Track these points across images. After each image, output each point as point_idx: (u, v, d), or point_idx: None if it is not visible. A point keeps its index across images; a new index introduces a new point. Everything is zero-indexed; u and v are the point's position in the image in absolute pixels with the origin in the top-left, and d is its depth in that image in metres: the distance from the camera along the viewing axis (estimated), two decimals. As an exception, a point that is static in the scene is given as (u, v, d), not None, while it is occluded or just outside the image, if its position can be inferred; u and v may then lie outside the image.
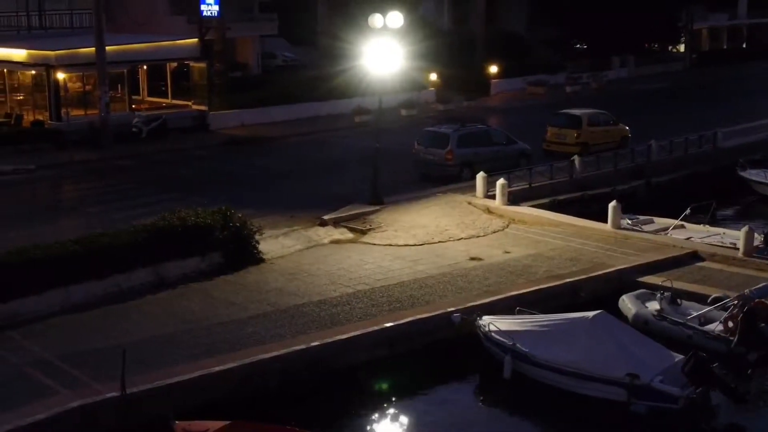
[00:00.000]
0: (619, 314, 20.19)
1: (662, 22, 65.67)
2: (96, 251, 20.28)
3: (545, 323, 18.23)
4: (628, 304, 20.68)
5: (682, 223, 26.59)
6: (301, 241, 24.91)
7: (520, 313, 19.16)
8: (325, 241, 25.13)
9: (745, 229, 24.03)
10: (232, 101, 43.81)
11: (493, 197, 28.41)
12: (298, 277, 21.78)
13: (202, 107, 43.52)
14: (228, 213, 22.94)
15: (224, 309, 19.65)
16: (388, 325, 18.77)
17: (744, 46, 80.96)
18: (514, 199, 28.52)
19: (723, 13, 78.68)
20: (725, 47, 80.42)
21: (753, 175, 33.17)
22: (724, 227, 27.45)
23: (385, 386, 18.04)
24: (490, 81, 55.46)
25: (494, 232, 25.96)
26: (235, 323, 18.79)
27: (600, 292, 21.63)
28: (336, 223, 26.55)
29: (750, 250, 23.63)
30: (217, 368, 16.54)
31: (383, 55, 27.25)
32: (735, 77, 62.97)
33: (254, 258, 22.86)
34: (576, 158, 31.29)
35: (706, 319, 19.73)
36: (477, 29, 59.80)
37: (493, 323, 18.64)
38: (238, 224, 22.87)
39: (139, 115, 40.64)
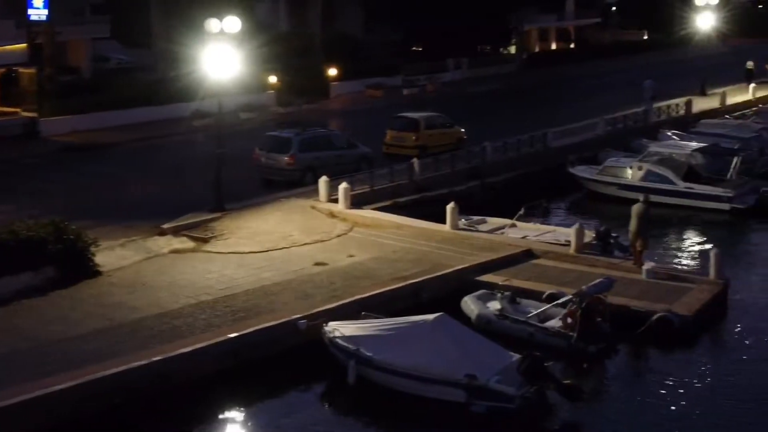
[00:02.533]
0: (461, 315, 20.68)
1: (493, 24, 67.55)
2: None
3: (388, 327, 18.46)
4: (470, 305, 21.19)
5: (516, 222, 27.49)
6: (139, 251, 24.29)
7: (365, 317, 19.32)
8: (165, 251, 24.59)
9: (576, 226, 25.08)
10: (63, 107, 42.22)
11: (336, 201, 28.55)
12: (138, 290, 21.24)
13: (32, 114, 41.72)
14: (61, 225, 22.14)
15: (61, 326, 18.95)
16: (232, 335, 18.56)
17: (572, 46, 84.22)
18: (356, 202, 28.73)
19: (551, 14, 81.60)
20: (554, 48, 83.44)
21: (581, 171, 34.60)
22: (555, 225, 28.60)
23: (231, 398, 17.80)
24: (330, 84, 55.65)
25: (338, 236, 26.08)
26: (72, 340, 18.15)
27: (441, 292, 22.07)
28: (176, 231, 26.02)
29: (581, 246, 24.67)
30: (55, 388, 15.94)
31: (221, 59, 26.91)
32: (564, 78, 65.45)
33: (90, 271, 22.15)
34: (415, 161, 31.83)
35: (545, 317, 20.46)
36: (315, 31, 59.91)
37: (337, 329, 18.74)
38: (72, 236, 22.10)
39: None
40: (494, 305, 20.98)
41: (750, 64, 60.61)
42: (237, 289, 21.27)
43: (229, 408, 17.50)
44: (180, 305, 20.17)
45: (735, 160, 32.71)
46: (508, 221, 27.62)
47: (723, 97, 50.63)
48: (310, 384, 18.74)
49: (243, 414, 17.46)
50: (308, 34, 59.66)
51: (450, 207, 26.76)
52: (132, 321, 19.26)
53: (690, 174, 32.44)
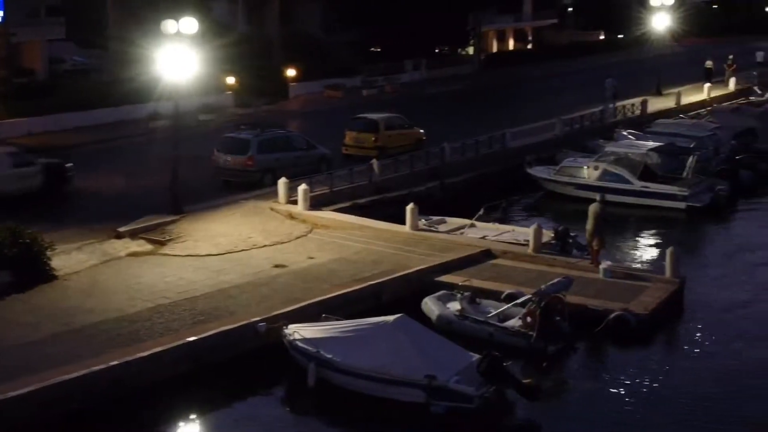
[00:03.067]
0: (422, 316, 20.75)
1: (451, 25, 67.79)
2: None
3: (348, 329, 18.47)
4: (430, 305, 21.27)
5: (475, 222, 27.63)
6: (96, 255, 24.04)
7: (326, 319, 19.30)
8: (122, 254, 24.36)
9: (534, 226, 25.27)
10: (19, 109, 41.58)
11: (296, 203, 28.49)
12: (95, 294, 21.03)
13: (-15, 116, 41.11)
14: (16, 229, 21.85)
15: (17, 331, 18.73)
16: (191, 339, 18.46)
17: (529, 47, 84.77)
18: (316, 204, 28.71)
19: (509, 15, 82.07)
20: (511, 49, 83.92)
21: (539, 171, 34.86)
22: (514, 224, 28.80)
23: (190, 402, 17.69)
24: (288, 84, 55.49)
25: (298, 238, 26.02)
26: (29, 345, 17.95)
27: (401, 293, 22.14)
28: (133, 234, 25.79)
29: (539, 246, 24.86)
30: (12, 393, 15.76)
31: (177, 60, 26.72)
32: (522, 78, 65.84)
33: (46, 275, 21.88)
34: (374, 162, 31.87)
35: (505, 316, 20.60)
36: (273, 32, 59.70)
37: (297, 331, 18.71)
38: (27, 240, 21.81)
39: None
40: (454, 306, 21.08)
41: (709, 64, 61.82)
42: (195, 293, 21.14)
43: (189, 412, 17.40)
44: (138, 309, 20.01)
45: (690, 159, 33.15)
46: (467, 221, 27.76)
47: (678, 96, 51.27)
48: (270, 387, 18.70)
49: (203, 418, 17.37)
50: (266, 35, 59.47)
51: (410, 208, 26.82)
52: (89, 325, 19.07)
53: (646, 173, 32.82)
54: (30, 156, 30.81)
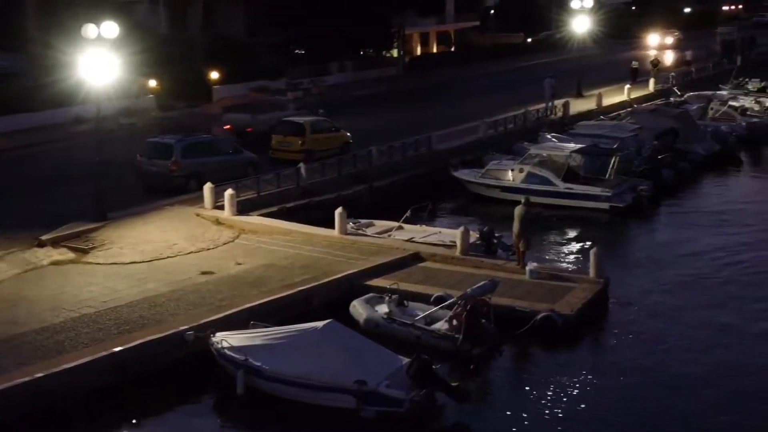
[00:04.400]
0: (350, 319, 20.74)
1: (376, 27, 67.96)
2: None
3: (277, 336, 18.34)
4: (358, 308, 21.29)
5: (402, 224, 27.73)
6: (17, 264, 23.49)
7: (254, 326, 19.16)
8: (45, 263, 23.86)
9: (461, 228, 25.49)
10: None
11: (222, 208, 28.24)
12: (17, 304, 20.55)
13: None
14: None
15: (-65, 344, 18.18)
16: (117, 349, 18.15)
17: (452, 49, 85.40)
18: (243, 208, 28.49)
19: (432, 18, 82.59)
20: (435, 51, 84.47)
21: (464, 174, 35.13)
22: (440, 227, 28.97)
23: (117, 414, 17.38)
24: (212, 87, 54.97)
25: (225, 244, 25.81)
26: (-52, 359, 17.45)
27: (331, 298, 22.13)
28: (55, 242, 25.27)
29: (467, 248, 25.08)
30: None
31: (99, 64, 26.23)
32: (446, 80, 66.37)
33: (-34, 286, 21.32)
34: (302, 165, 31.76)
35: (432, 319, 20.71)
36: (196, 34, 59.04)
37: (225, 339, 18.52)
38: (-55, 251, 21.23)
39: None
40: (382, 309, 21.12)
41: (635, 64, 63.47)
42: (121, 301, 20.81)
43: (116, 425, 17.13)
44: (62, 319, 19.61)
45: (613, 160, 33.75)
46: (395, 224, 27.84)
47: (599, 98, 52.16)
48: (199, 396, 18.47)
49: (130, 431, 17.06)
50: (189, 37, 58.77)
51: (338, 212, 26.80)
52: (12, 336, 18.64)
53: (569, 175, 33.34)
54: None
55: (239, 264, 23.89)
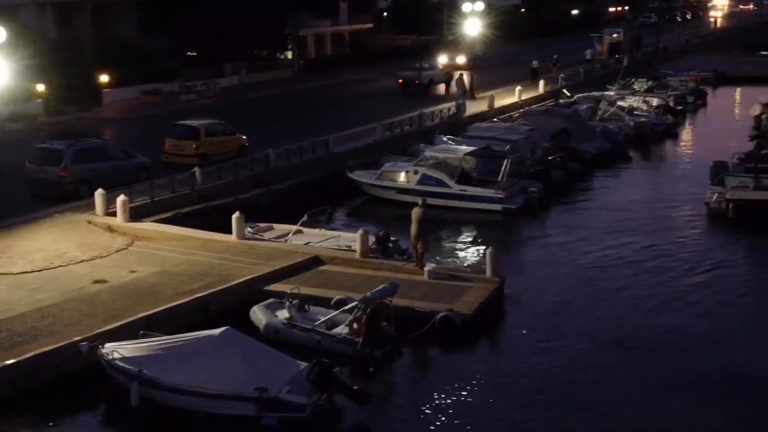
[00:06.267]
0: (251, 326, 20.57)
1: (270, 29, 67.52)
2: None
3: (172, 345, 18.00)
4: (258, 314, 21.13)
5: (301, 228, 27.65)
6: None
7: (144, 336, 18.75)
8: (-71, 275, 22.95)
9: (360, 232, 25.58)
10: None
11: (115, 215, 27.67)
12: None
13: None
14: None
15: None
16: (9, 362, 17.59)
17: (347, 51, 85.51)
18: (136, 215, 27.97)
19: (326, 20, 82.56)
20: (329, 53, 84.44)
21: (361, 176, 35.25)
22: (340, 230, 29.02)
23: (9, 430, 16.84)
24: (102, 90, 53.75)
25: (118, 252, 25.27)
26: None
27: (230, 304, 21.91)
28: (-60, 254, 24.35)
29: (366, 251, 25.18)
30: None
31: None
32: (341, 82, 66.45)
33: None
34: (196, 169, 31.33)
35: (332, 323, 20.71)
36: (86, 37, 57.58)
37: (116, 350, 18.09)
38: None
39: None
40: (283, 314, 21.02)
41: (535, 63, 64.91)
42: (11, 313, 20.16)
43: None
44: (-52, 333, 18.89)
45: (505, 162, 34.32)
46: (294, 227, 27.71)
47: (491, 100, 52.96)
48: (94, 408, 18.10)
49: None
50: (78, 40, 57.26)
51: (235, 216, 26.55)
52: None
53: (463, 177, 33.80)
54: None
55: (133, 272, 23.41)
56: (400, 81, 59.09)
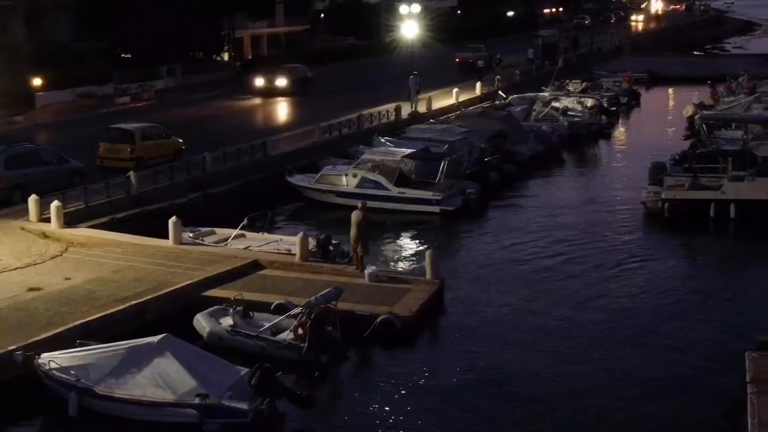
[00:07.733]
0: (190, 333, 20.37)
1: (205, 30, 66.86)
2: None
3: (110, 353, 17.73)
4: (202, 322, 20.93)
5: (243, 232, 27.43)
6: None
7: (80, 345, 18.43)
8: None
9: (300, 235, 25.48)
10: None
11: (49, 220, 27.17)
12: None
13: None
14: None
15: None
16: (-60, 374, 17.18)
17: (284, 52, 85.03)
18: (71, 220, 27.51)
19: (262, 21, 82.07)
20: (266, 54, 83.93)
21: (299, 180, 35.09)
22: (280, 234, 28.87)
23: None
24: (36, 94, 52.69)
25: (52, 258, 24.81)
26: None
27: (168, 311, 21.65)
28: None
29: (306, 255, 25.10)
30: None
31: None
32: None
33: None
34: (132, 174, 30.90)
35: (277, 329, 20.58)
36: (18, 38, 56.40)
37: (53, 360, 17.77)
38: None
39: None
40: (227, 321, 20.82)
41: (480, 63, 65.88)
42: (-59, 323, 19.67)
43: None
44: None
45: (442, 164, 34.46)
46: (235, 231, 27.48)
47: (429, 101, 53.10)
48: (30, 420, 17.78)
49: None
50: (10, 43, 56.03)
51: (172, 221, 26.25)
52: None
53: (402, 179, 33.89)
54: None
55: (68, 279, 22.99)
56: (457, 60, 72.27)
